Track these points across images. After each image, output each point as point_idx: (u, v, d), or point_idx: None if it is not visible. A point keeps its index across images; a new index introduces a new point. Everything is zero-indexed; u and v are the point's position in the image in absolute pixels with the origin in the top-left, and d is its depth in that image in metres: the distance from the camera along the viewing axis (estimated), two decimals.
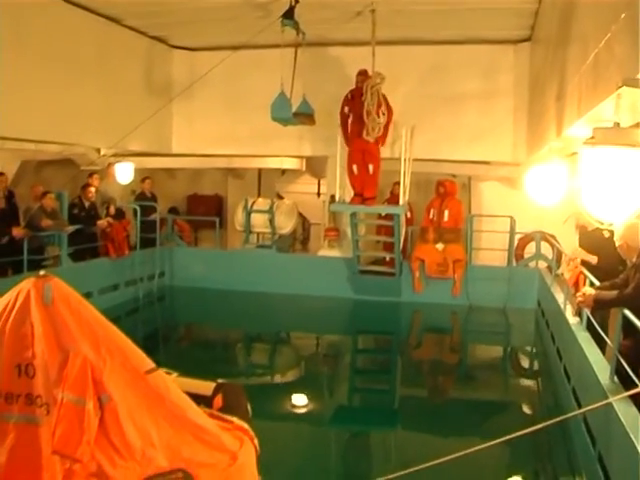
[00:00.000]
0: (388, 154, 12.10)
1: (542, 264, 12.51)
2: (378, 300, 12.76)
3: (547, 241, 12.21)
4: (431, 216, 12.59)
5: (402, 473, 3.11)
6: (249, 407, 3.70)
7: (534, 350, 10.49)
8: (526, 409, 7.61)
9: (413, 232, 13.19)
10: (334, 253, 13.48)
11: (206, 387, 3.79)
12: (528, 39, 12.05)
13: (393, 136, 11.73)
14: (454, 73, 12.42)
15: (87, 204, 11.79)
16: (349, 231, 12.64)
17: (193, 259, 14.11)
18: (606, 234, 7.04)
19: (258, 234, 14.44)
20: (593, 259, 7.55)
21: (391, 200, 13.33)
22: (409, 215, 13.36)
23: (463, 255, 12.40)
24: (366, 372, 8.54)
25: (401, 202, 11.65)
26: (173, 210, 16.36)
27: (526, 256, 12.75)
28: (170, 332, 10.28)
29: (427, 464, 3.10)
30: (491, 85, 12.33)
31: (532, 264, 12.67)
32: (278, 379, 8.43)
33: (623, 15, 3.97)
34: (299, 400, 7.43)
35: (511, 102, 12.37)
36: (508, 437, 3.25)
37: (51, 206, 10.71)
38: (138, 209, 12.94)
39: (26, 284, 2.91)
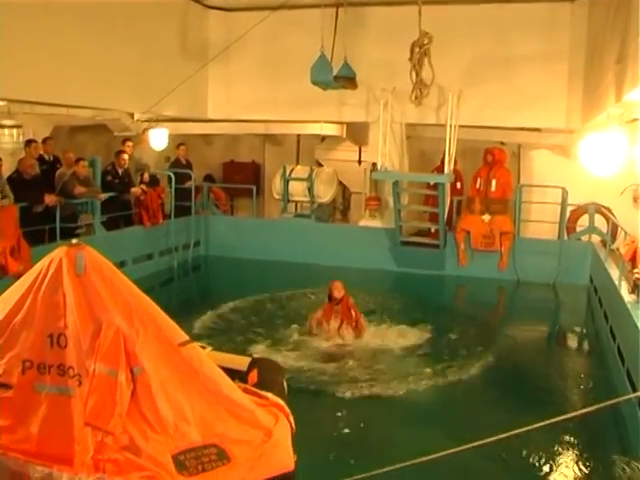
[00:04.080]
0: (433, 120, 12.02)
1: (595, 238, 12.35)
2: (420, 273, 12.73)
3: (602, 214, 12.01)
4: (478, 186, 12.51)
5: (454, 450, 3.11)
6: (285, 383, 3.69)
7: (585, 329, 10.32)
8: (576, 391, 7.49)
9: (459, 202, 13.15)
10: (375, 223, 13.48)
11: (241, 362, 3.81)
12: None
13: (439, 101, 11.62)
14: (505, 34, 12.10)
15: (121, 171, 11.91)
16: (391, 200, 12.65)
17: (229, 228, 14.25)
18: None
19: (296, 203, 14.50)
20: None
21: (440, 169, 13.13)
22: (459, 185, 13.26)
23: (511, 227, 12.28)
24: (406, 349, 8.43)
25: (446, 170, 11.57)
26: (209, 178, 16.40)
27: (578, 229, 12.58)
28: (205, 303, 10.28)
29: (473, 444, 3.08)
30: (545, 46, 11.98)
31: (585, 238, 12.51)
32: (315, 353, 8.22)
33: None
34: (339, 378, 7.38)
35: (566, 65, 12.02)
36: (556, 419, 3.21)
37: (84, 173, 10.84)
38: (173, 176, 13.02)
39: (58, 253, 2.93)
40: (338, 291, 8.65)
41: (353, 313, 8.70)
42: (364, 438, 5.89)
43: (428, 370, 7.56)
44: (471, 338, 9.06)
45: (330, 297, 8.73)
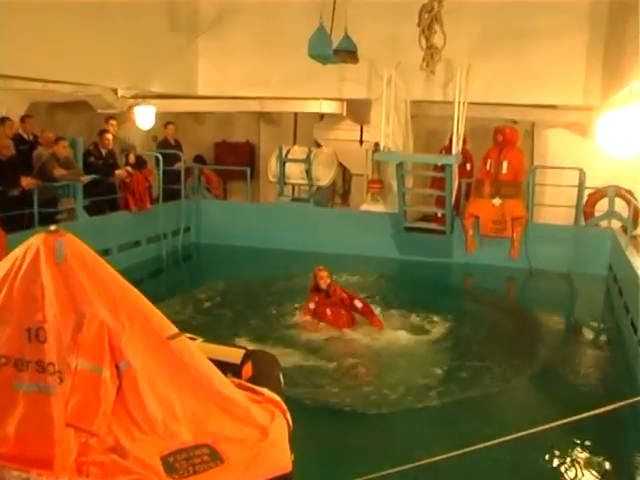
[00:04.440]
0: (440, 97, 12.00)
1: (615, 224, 12.30)
2: (426, 261, 12.78)
3: (622, 197, 11.91)
4: (488, 167, 12.51)
5: (472, 449, 3.18)
6: (281, 378, 3.66)
7: (604, 321, 10.22)
8: (594, 388, 7.48)
9: (467, 185, 13.13)
10: (378, 208, 13.52)
11: (234, 354, 3.79)
12: None
13: (446, 76, 11.61)
14: (518, 4, 12.00)
15: (104, 152, 11.84)
16: (395, 183, 12.72)
17: (222, 213, 14.27)
18: None
19: (293, 186, 14.51)
20: None
21: (448, 149, 13.10)
22: (468, 167, 13.27)
23: (523, 212, 12.30)
24: (414, 347, 8.27)
25: (454, 151, 11.55)
26: (199, 159, 16.43)
27: (597, 214, 12.53)
28: (196, 294, 10.36)
29: (487, 443, 3.15)
30: (562, 18, 11.89)
31: (604, 223, 12.46)
32: (313, 348, 8.15)
33: None
34: (338, 377, 7.32)
35: (585, 37, 11.97)
36: (573, 418, 3.22)
37: (64, 154, 10.74)
38: (161, 158, 12.97)
39: (35, 240, 2.89)
40: (323, 280, 8.63)
41: (359, 304, 8.69)
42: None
43: (439, 372, 7.50)
44: (483, 333, 9.04)
45: (317, 285, 8.70)
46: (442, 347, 8.35)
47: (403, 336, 8.47)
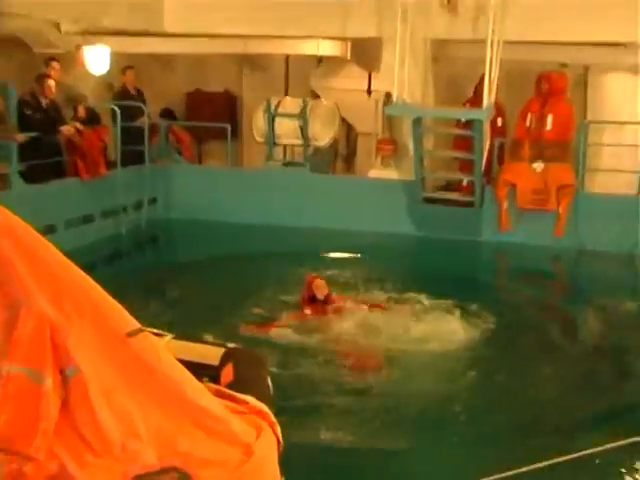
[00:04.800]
0: (469, 35, 11.97)
1: None
2: (449, 239, 12.77)
3: None
4: (528, 124, 12.56)
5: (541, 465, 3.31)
6: (270, 382, 3.61)
7: None
8: None
9: (501, 146, 13.17)
10: (390, 174, 13.65)
11: (212, 354, 3.77)
12: None
13: (477, 9, 11.71)
14: None
15: (45, 102, 11.79)
16: (411, 144, 12.73)
17: (196, 181, 14.39)
18: None
19: (285, 147, 14.69)
20: None
21: (474, 101, 13.14)
22: (499, 123, 13.29)
23: (572, 179, 12.37)
24: (439, 355, 8.19)
25: (485, 103, 11.53)
26: (167, 113, 16.40)
27: None
28: (163, 281, 10.62)
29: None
30: None
31: None
32: (310, 347, 8.31)
33: None
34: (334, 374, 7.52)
35: None
36: None
37: None
38: (118, 111, 12.92)
39: None
40: (321, 291, 8.99)
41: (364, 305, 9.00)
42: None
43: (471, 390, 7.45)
44: (529, 340, 8.99)
45: (312, 296, 9.03)
46: (476, 361, 8.13)
47: (418, 345, 8.35)
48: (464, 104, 13.26)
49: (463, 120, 12.68)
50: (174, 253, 13.66)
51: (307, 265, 10.75)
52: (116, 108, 13.02)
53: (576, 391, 7.54)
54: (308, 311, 8.97)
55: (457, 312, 9.29)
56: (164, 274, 11.63)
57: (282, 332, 8.58)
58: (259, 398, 3.35)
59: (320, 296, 8.93)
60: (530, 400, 7.28)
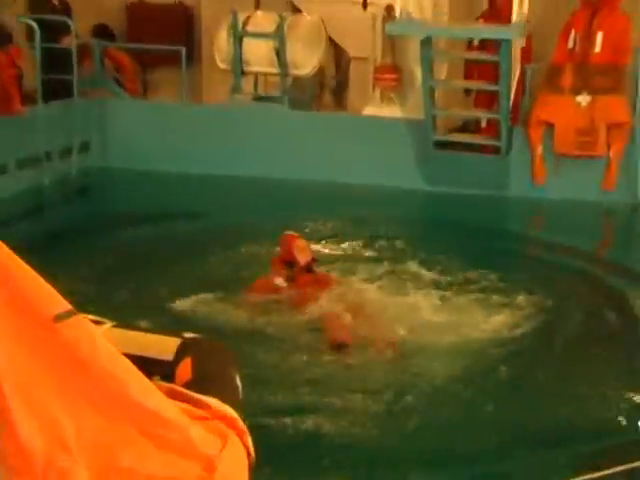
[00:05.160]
0: None
1: None
2: (468, 195, 12.63)
3: None
4: (570, 44, 12.37)
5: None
6: (239, 380, 3.50)
7: None
8: None
9: (533, 74, 12.94)
10: (392, 112, 13.43)
11: (165, 345, 3.66)
12: None
13: None
14: None
15: None
16: (419, 73, 12.59)
17: (141, 121, 14.17)
18: None
19: (257, 77, 14.43)
20: None
21: (489, 16, 13.12)
22: (523, 44, 13.02)
23: (627, 115, 12.22)
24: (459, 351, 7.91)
25: (514, 17, 11.55)
26: (102, 31, 16.04)
27: None
28: (99, 248, 10.34)
29: None
30: None
31: None
32: (291, 333, 8.16)
33: None
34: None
35: None
36: None
37: None
38: (37, 29, 12.76)
39: None
40: (303, 254, 8.77)
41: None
42: None
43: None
44: (572, 319, 8.79)
45: (290, 261, 8.81)
46: (505, 359, 7.81)
47: (432, 336, 8.11)
48: (477, 19, 13.23)
49: (476, 41, 12.58)
50: (112, 210, 13.14)
51: (280, 228, 10.09)
52: (33, 23, 12.87)
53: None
54: (280, 281, 8.71)
55: (480, 292, 9.12)
56: (95, 237, 11.37)
57: (243, 313, 8.48)
58: (225, 400, 3.30)
59: (302, 261, 8.70)
60: (571, 413, 7.03)
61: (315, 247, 10.12)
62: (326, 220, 11.97)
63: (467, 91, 13.85)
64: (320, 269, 9.02)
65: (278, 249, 9.06)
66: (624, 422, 6.62)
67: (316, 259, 8.96)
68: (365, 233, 11.36)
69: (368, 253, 10.57)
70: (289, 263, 8.76)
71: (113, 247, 10.43)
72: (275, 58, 13.68)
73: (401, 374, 7.59)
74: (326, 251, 10.62)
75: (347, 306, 8.48)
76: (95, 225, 12.13)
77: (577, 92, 12.16)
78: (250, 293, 8.81)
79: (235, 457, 3.08)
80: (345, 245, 10.99)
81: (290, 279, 8.72)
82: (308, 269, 8.79)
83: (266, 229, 10.62)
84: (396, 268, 9.84)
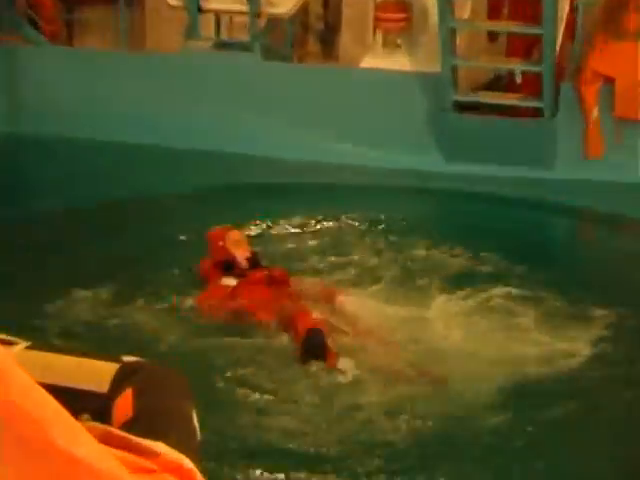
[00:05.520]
0: None
1: None
2: (500, 176, 11.86)
3: None
4: None
5: None
6: (195, 417, 2.55)
7: None
8: None
9: (587, 13, 12.27)
10: (398, 63, 12.65)
11: (96, 373, 2.81)
12: None
13: None
14: None
15: None
16: (434, 11, 11.99)
17: (66, 75, 13.49)
18: None
19: (219, 17, 13.65)
20: None
21: None
22: None
23: None
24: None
25: None
26: None
27: None
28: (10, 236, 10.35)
29: None
30: None
31: None
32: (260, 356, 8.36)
33: None
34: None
35: None
36: None
37: None
38: None
39: None
40: (242, 250, 8.90)
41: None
42: None
43: None
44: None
45: (226, 261, 8.89)
46: (563, 398, 7.91)
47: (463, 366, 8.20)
48: None
49: None
50: (25, 187, 13.01)
51: (240, 218, 10.58)
52: None
53: None
54: (229, 280, 8.77)
55: (523, 308, 9.04)
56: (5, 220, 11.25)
57: (196, 329, 8.75)
58: (178, 445, 2.33)
59: (241, 255, 8.75)
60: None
61: (289, 242, 10.61)
62: (306, 219, 11.54)
63: (492, 36, 13.00)
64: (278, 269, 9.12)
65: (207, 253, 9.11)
66: None
67: (257, 252, 9.06)
68: (357, 228, 11.08)
69: (360, 246, 10.54)
70: (226, 264, 8.84)
71: (28, 235, 10.50)
72: None
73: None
74: (304, 249, 10.66)
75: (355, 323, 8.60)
76: (4, 206, 11.95)
77: None
78: (203, 303, 8.85)
79: None
80: (329, 241, 10.92)
81: (239, 276, 8.79)
82: (254, 264, 8.86)
83: (224, 218, 10.34)
84: (405, 273, 9.84)
